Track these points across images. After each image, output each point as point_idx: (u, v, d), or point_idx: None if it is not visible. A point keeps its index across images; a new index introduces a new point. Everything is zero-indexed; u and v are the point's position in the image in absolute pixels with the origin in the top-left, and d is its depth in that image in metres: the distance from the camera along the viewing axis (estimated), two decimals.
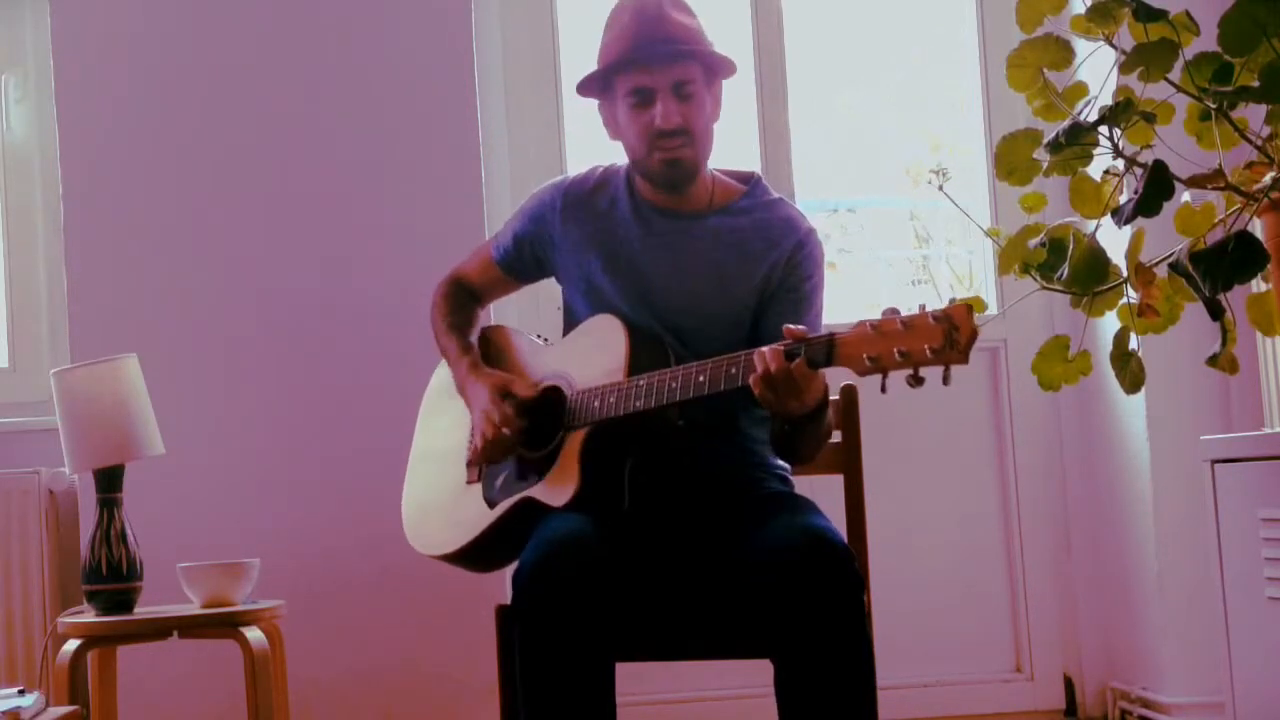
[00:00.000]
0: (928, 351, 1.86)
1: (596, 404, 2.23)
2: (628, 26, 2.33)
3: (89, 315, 3.28)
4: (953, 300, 1.89)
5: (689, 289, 2.37)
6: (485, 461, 2.37)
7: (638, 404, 2.17)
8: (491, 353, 2.52)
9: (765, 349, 2.04)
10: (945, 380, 1.87)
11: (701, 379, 2.11)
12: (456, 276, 2.64)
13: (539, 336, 2.55)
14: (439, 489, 2.49)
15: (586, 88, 2.43)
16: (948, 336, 1.85)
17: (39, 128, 3.54)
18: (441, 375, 2.61)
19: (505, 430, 2.31)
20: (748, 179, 2.48)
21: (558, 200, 2.48)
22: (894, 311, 1.92)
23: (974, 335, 1.85)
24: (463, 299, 2.61)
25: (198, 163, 3.34)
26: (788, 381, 2.01)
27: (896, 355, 1.89)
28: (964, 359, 1.86)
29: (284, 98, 3.36)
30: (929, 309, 1.88)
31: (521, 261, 2.55)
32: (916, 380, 1.89)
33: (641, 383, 2.18)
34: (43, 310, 3.54)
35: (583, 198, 2.47)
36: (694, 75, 2.34)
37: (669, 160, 2.34)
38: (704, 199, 2.43)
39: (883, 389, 1.92)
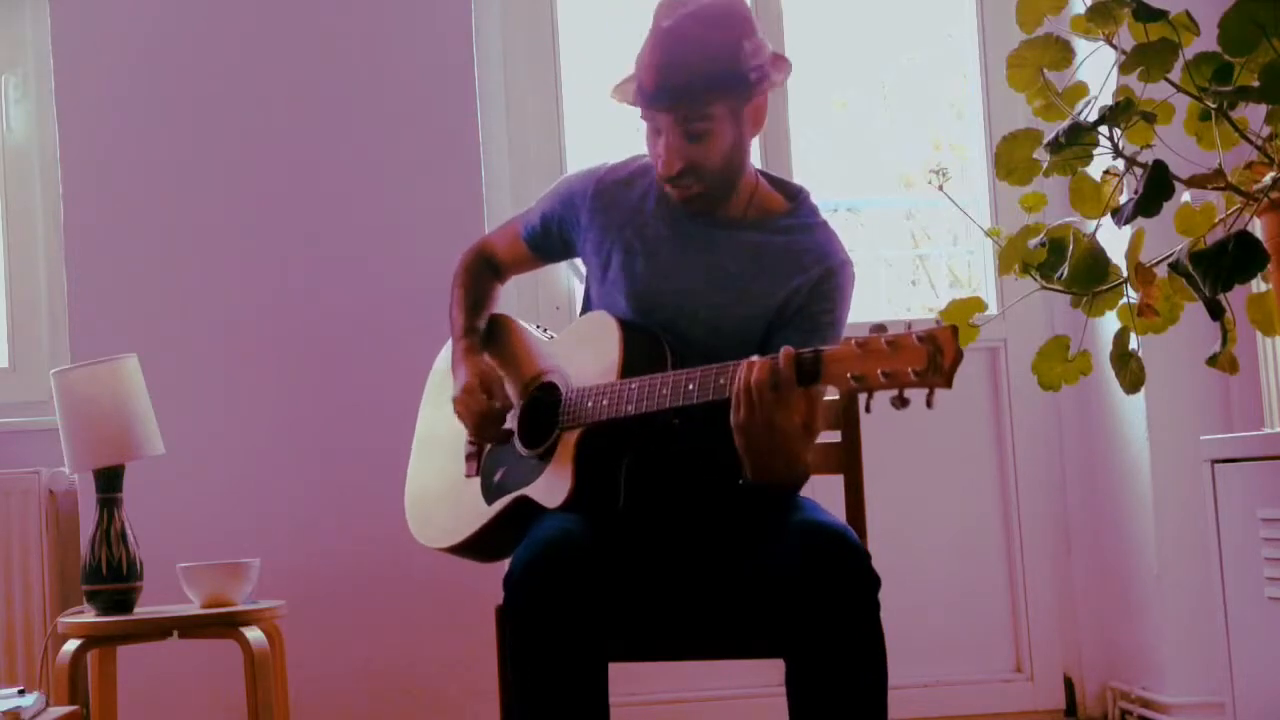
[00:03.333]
0: (911, 374, 1.83)
1: (590, 405, 2.22)
2: (647, 59, 2.23)
3: (89, 315, 3.28)
4: (938, 321, 1.86)
5: (705, 299, 2.32)
6: (477, 439, 2.37)
7: (629, 408, 2.17)
8: (495, 340, 2.50)
9: (753, 358, 2.02)
10: (929, 404, 1.84)
11: (691, 387, 2.09)
12: (482, 247, 2.62)
13: (540, 328, 2.55)
14: (439, 480, 2.49)
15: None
16: (931, 359, 1.82)
17: (39, 128, 3.54)
18: (445, 358, 2.61)
19: (483, 411, 2.31)
20: (795, 195, 2.40)
21: (589, 187, 2.43)
22: (880, 329, 1.89)
23: (958, 359, 1.82)
24: (484, 272, 2.58)
25: (198, 163, 3.34)
26: (764, 394, 1.99)
27: (880, 376, 1.86)
28: (947, 383, 1.83)
29: (284, 98, 3.36)
30: (914, 329, 1.86)
31: (549, 241, 2.52)
32: (901, 402, 1.86)
33: (634, 386, 2.17)
34: (43, 310, 3.54)
35: (615, 188, 2.42)
36: (708, 112, 2.22)
37: (683, 199, 2.30)
38: (739, 208, 2.35)
39: (867, 409, 1.89)
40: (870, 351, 1.88)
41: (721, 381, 2.06)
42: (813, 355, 1.96)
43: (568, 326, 2.46)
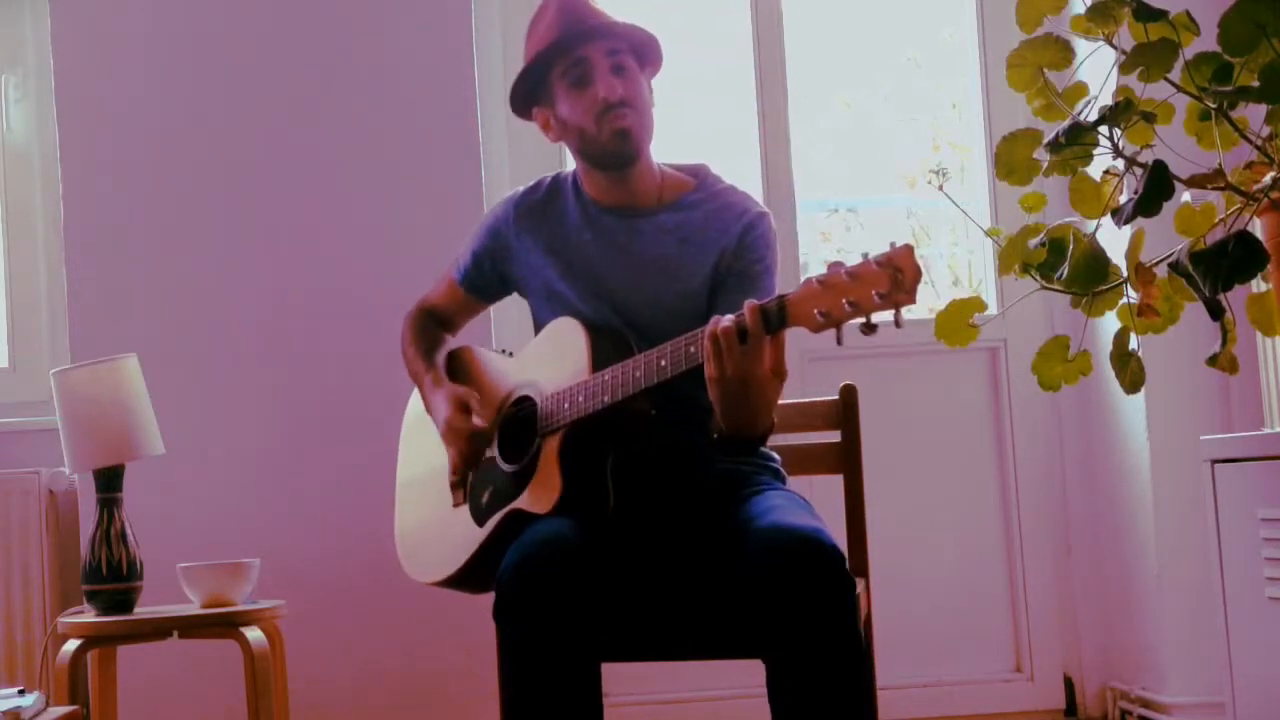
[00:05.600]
0: (875, 297, 1.86)
1: (566, 406, 2.23)
2: (554, 17, 2.36)
3: (89, 315, 3.29)
4: (893, 244, 1.89)
5: (644, 286, 2.37)
6: (464, 468, 2.38)
7: (605, 398, 2.17)
8: (459, 372, 2.52)
9: (718, 315, 2.04)
10: (897, 323, 1.86)
11: (664, 363, 2.11)
12: (422, 305, 2.65)
13: (503, 350, 2.57)
14: (427, 516, 2.49)
15: (521, 101, 2.44)
16: (893, 279, 1.85)
17: (39, 128, 3.54)
18: (416, 401, 2.62)
19: (472, 429, 2.33)
20: (696, 171, 2.48)
21: (510, 213, 2.49)
22: (839, 265, 1.92)
23: (918, 274, 1.85)
24: (428, 325, 2.62)
25: (198, 163, 3.34)
26: (733, 347, 2.00)
27: (846, 306, 1.89)
28: (911, 299, 1.85)
29: (284, 98, 3.36)
30: (871, 256, 1.88)
31: (483, 278, 2.55)
32: (869, 328, 1.89)
33: (606, 377, 2.18)
34: (43, 310, 3.54)
35: (535, 207, 2.47)
36: (623, 49, 2.37)
37: (618, 130, 2.33)
38: (652, 194, 2.42)
39: (838, 340, 1.92)
40: (831, 286, 1.90)
41: (692, 350, 2.07)
42: (777, 303, 1.98)
43: (529, 342, 2.46)
